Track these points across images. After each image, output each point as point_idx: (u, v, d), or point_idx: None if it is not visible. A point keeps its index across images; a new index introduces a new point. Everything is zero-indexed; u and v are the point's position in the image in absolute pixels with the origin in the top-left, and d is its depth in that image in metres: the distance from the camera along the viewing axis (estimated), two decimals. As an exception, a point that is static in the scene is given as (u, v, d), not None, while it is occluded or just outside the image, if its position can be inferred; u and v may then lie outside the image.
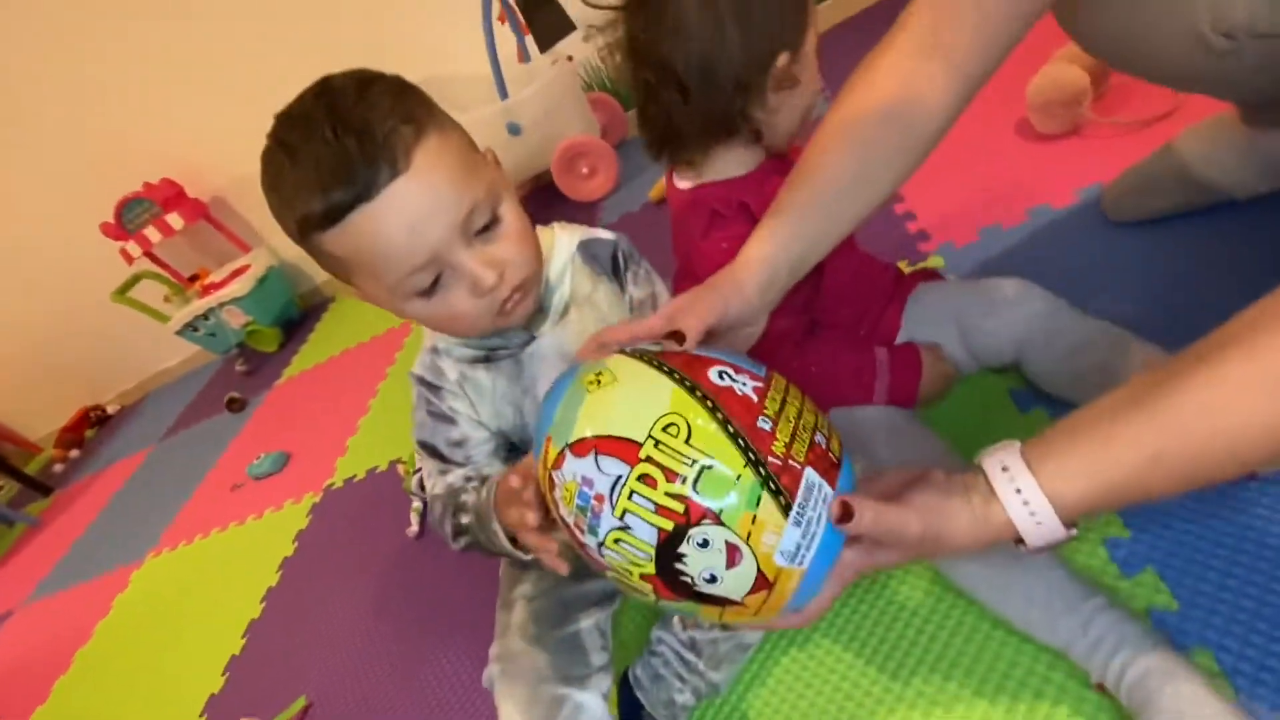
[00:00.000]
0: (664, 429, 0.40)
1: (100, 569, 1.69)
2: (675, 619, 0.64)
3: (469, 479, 0.64)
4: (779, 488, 0.39)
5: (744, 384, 0.42)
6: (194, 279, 2.23)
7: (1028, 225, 0.88)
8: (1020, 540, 0.40)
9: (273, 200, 0.49)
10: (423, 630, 0.92)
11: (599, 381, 0.43)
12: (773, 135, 0.59)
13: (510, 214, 0.52)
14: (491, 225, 0.50)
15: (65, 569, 1.83)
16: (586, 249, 0.64)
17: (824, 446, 0.42)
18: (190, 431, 2.13)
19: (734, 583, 0.40)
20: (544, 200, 1.78)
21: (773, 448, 0.40)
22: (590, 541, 0.42)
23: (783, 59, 0.54)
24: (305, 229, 0.47)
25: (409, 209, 0.46)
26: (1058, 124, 0.95)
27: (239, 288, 2.06)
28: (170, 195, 2.03)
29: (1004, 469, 0.40)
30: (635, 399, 0.42)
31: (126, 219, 2.03)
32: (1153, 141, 0.84)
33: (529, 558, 0.57)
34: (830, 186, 0.52)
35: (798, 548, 0.40)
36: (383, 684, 0.89)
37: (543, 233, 0.63)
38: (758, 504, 0.39)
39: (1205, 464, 0.36)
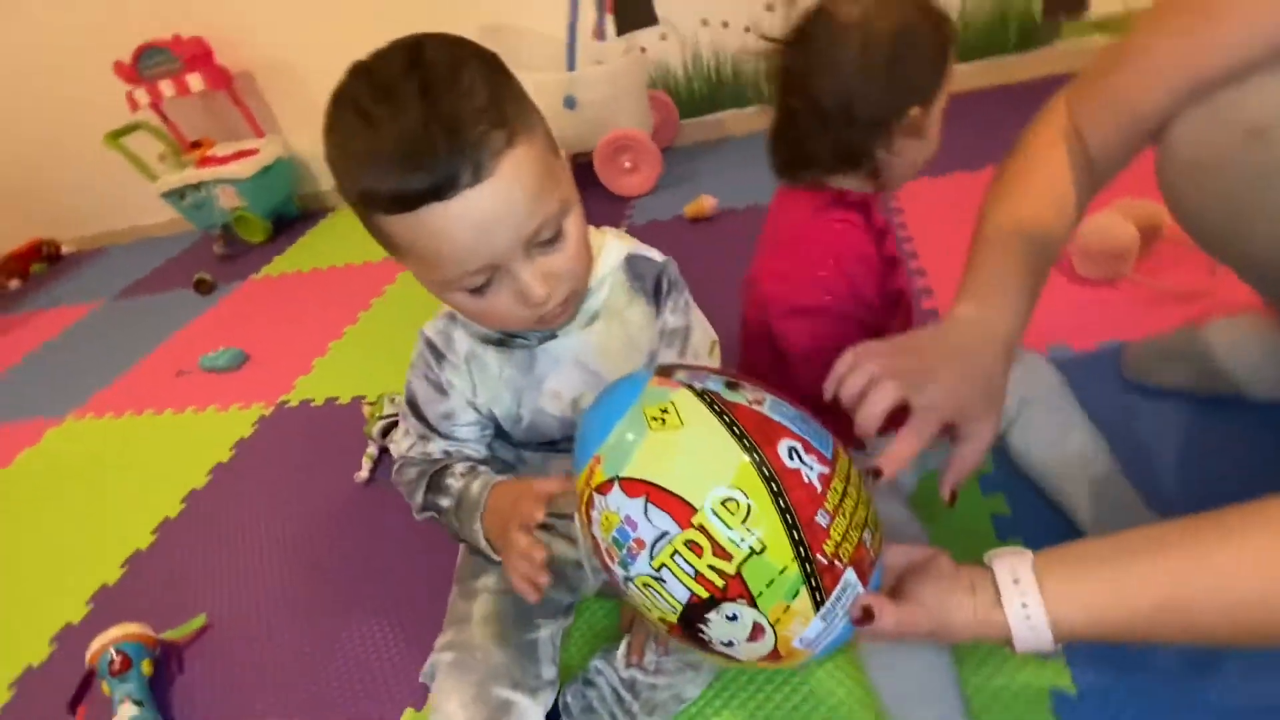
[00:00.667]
0: (723, 502, 0.40)
1: (12, 414, 1.60)
2: (619, 653, 0.63)
3: (449, 453, 0.63)
4: (818, 585, 0.40)
5: (811, 468, 0.42)
6: (196, 145, 2.13)
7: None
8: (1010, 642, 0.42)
9: (335, 155, 0.46)
10: (348, 585, 0.89)
11: (664, 420, 0.42)
12: (889, 176, 0.64)
13: (574, 228, 0.51)
14: (555, 239, 0.49)
15: (-26, 404, 1.72)
16: (633, 265, 0.63)
17: (867, 545, 0.43)
18: (148, 299, 2.03)
19: (748, 652, 0.42)
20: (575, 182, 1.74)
21: (824, 546, 0.40)
22: (617, 571, 0.42)
23: (916, 110, 0.59)
24: (367, 202, 0.45)
25: (482, 216, 0.44)
26: (1098, 272, 0.97)
27: (241, 169, 1.97)
28: (197, 54, 1.93)
29: (1015, 580, 0.41)
30: (700, 457, 0.41)
31: (143, 64, 1.92)
32: (1184, 315, 0.87)
33: (499, 559, 0.56)
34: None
35: (817, 636, 0.41)
36: (291, 627, 0.86)
37: (594, 235, 0.61)
38: (794, 596, 0.40)
39: (1208, 627, 0.38)
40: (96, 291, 2.18)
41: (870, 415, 0.48)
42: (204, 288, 1.89)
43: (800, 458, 0.41)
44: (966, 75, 1.67)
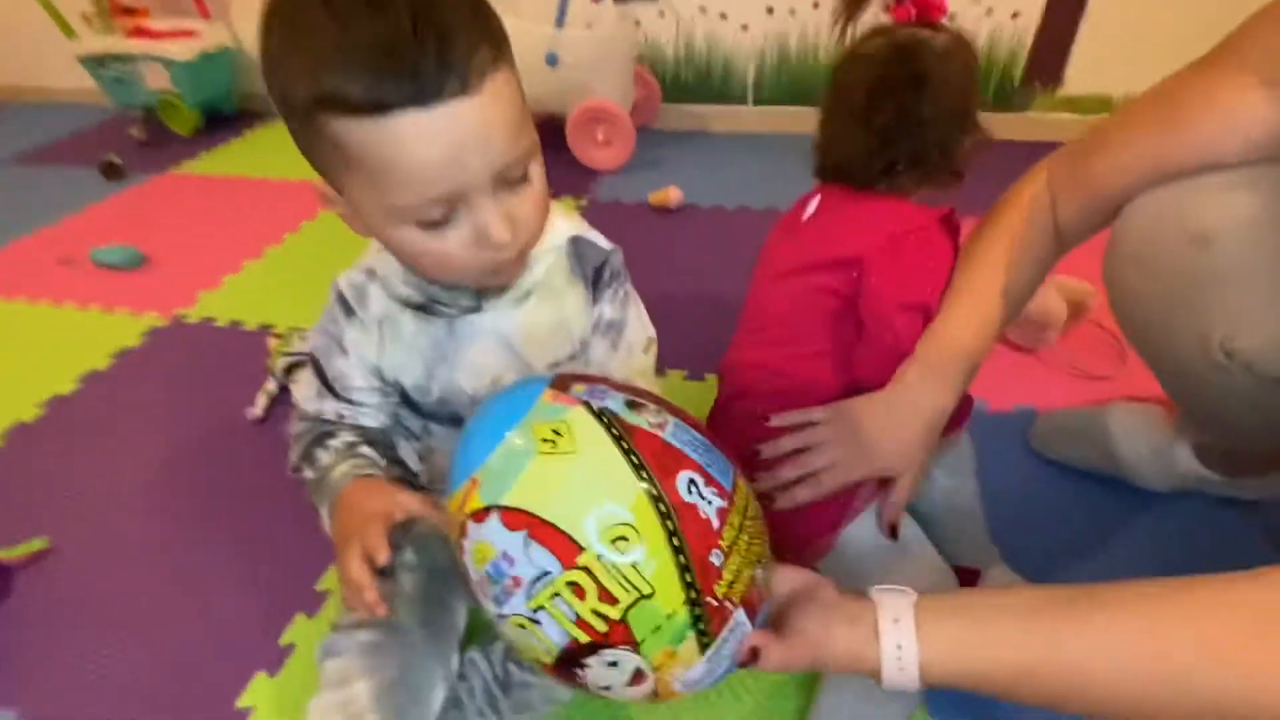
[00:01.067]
0: (613, 541, 0.36)
1: None
2: (498, 645, 0.60)
3: (342, 417, 0.58)
4: (706, 629, 0.38)
5: (710, 502, 0.39)
6: (129, 12, 1.90)
7: (963, 415, 0.92)
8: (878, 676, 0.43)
9: (283, 51, 0.40)
10: (218, 529, 0.82)
11: (555, 443, 0.38)
12: (942, 187, 0.69)
13: (538, 177, 0.47)
14: (521, 182, 0.45)
15: None
16: (577, 246, 0.59)
17: (759, 583, 0.42)
18: (44, 170, 1.81)
19: (625, 695, 0.40)
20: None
21: (715, 588, 0.38)
22: (489, 607, 0.39)
23: (979, 131, 0.67)
24: (327, 104, 0.38)
25: (461, 134, 0.40)
26: (1024, 338, 1.01)
27: (177, 50, 1.78)
28: (146, -90, 1.71)
29: (895, 620, 0.42)
30: (591, 487, 0.38)
31: (79, -94, 1.70)
32: (1093, 394, 0.92)
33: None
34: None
35: (700, 678, 0.40)
36: (145, 566, 0.78)
37: None
38: (680, 641, 0.38)
39: (1069, 700, 0.40)
40: (-16, 150, 1.93)
41: (799, 500, 0.60)
42: (112, 172, 1.70)
43: (699, 490, 0.39)
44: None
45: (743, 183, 1.55)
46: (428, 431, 0.65)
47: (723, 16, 1.71)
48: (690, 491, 0.39)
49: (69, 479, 0.90)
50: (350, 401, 0.58)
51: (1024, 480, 0.83)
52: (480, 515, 0.38)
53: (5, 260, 1.40)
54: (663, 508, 0.37)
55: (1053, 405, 0.89)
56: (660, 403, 0.44)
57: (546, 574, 0.36)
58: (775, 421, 0.63)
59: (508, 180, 0.44)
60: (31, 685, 0.67)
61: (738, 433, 0.67)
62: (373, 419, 0.59)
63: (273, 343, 1.05)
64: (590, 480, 0.38)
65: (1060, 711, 0.41)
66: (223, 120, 2.02)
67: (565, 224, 0.59)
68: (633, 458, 0.38)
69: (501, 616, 0.39)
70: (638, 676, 0.38)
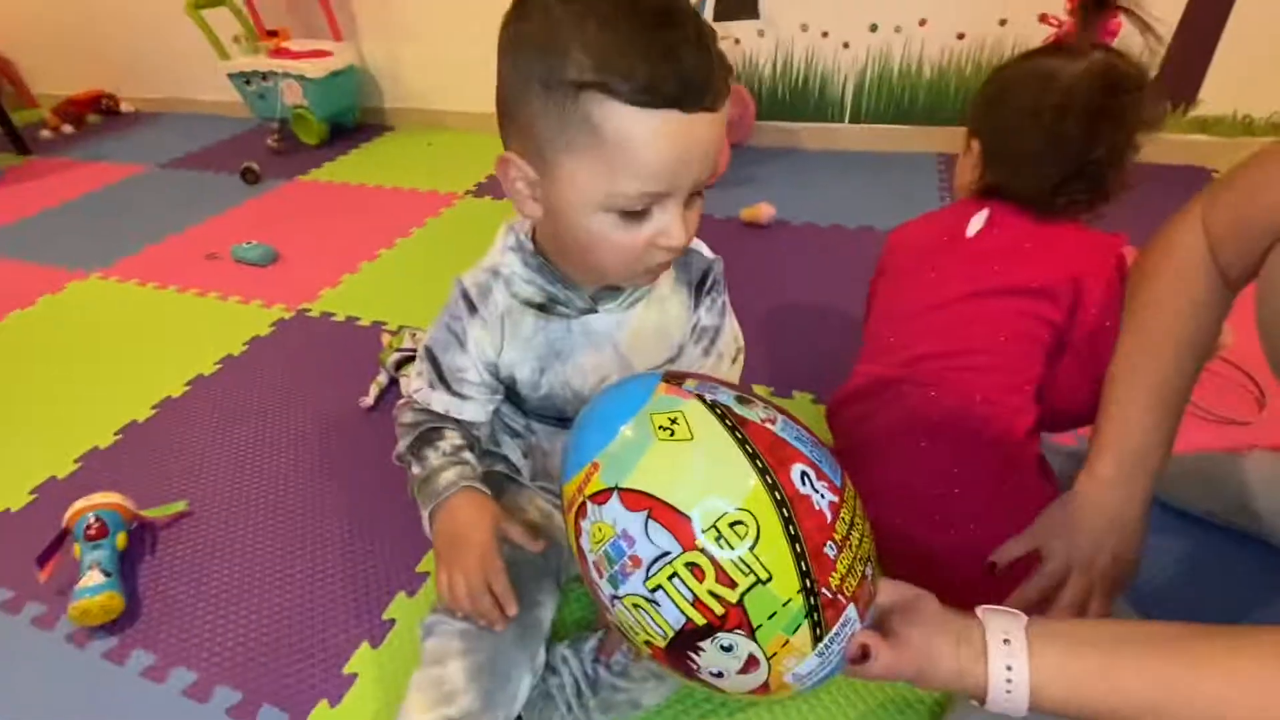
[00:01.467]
0: (731, 525, 0.37)
1: (40, 258, 1.60)
2: (589, 646, 0.62)
3: (447, 415, 0.62)
4: (820, 619, 0.38)
5: (822, 495, 0.40)
6: (273, 34, 2.10)
7: (1072, 458, 0.87)
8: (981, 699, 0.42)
9: (570, 30, 0.42)
10: (333, 505, 0.89)
11: (672, 431, 0.40)
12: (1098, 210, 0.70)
13: (703, 197, 0.51)
14: (697, 197, 0.50)
15: (3, 238, 1.73)
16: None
17: (869, 579, 0.42)
18: (193, 175, 2.02)
19: (737, 683, 0.40)
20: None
21: (829, 579, 0.38)
22: (604, 589, 0.40)
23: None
24: (594, 85, 0.42)
25: (697, 141, 0.44)
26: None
27: (311, 68, 1.95)
28: (294, -56, 1.89)
29: (1006, 640, 0.40)
30: (709, 472, 0.39)
31: (240, -59, 1.90)
32: (1220, 440, 0.85)
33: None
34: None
35: (810, 673, 0.40)
36: (270, 532, 0.86)
37: None
38: (795, 630, 0.38)
39: None
40: (144, 156, 2.18)
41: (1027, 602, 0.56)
42: (250, 177, 1.89)
43: (812, 483, 0.40)
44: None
45: (836, 200, 1.53)
46: (530, 430, 0.69)
47: (824, 34, 1.70)
48: (804, 483, 0.39)
49: (206, 450, 1.00)
50: (460, 395, 0.61)
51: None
52: (601, 496, 0.39)
53: (161, 254, 1.58)
54: (778, 496, 0.38)
55: (1176, 449, 0.82)
56: (768, 402, 0.45)
57: (666, 554, 0.37)
58: (997, 557, 0.60)
59: (695, 193, 0.48)
60: (168, 629, 0.75)
61: (924, 472, 0.64)
62: (476, 413, 0.62)
63: (386, 338, 1.13)
64: (708, 466, 0.39)
65: None
66: (345, 132, 2.19)
67: None
68: (747, 447, 0.39)
69: (616, 598, 0.40)
70: (750, 663, 0.38)
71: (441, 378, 0.61)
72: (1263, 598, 0.70)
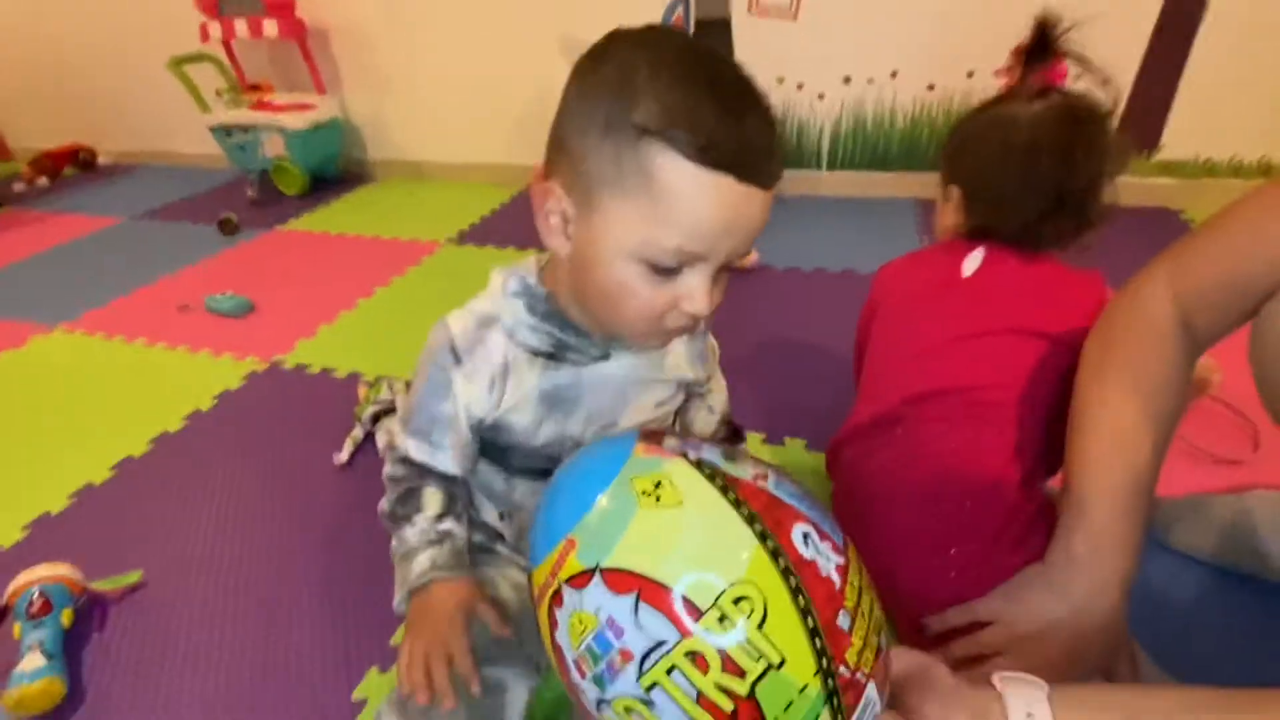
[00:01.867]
0: (735, 601, 0.32)
1: (3, 313, 1.55)
2: None
3: (425, 467, 0.58)
4: (840, 705, 0.33)
5: (828, 559, 0.36)
6: (255, 88, 2.12)
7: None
8: None
9: (626, 77, 0.43)
10: (301, 573, 0.83)
11: (658, 496, 0.35)
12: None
13: (729, 274, 0.51)
14: (724, 273, 0.49)
15: (-31, 292, 1.67)
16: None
17: (885, 650, 0.37)
18: (168, 226, 1.99)
19: None
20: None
21: (846, 656, 0.34)
22: (589, 690, 0.35)
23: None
24: (659, 135, 0.41)
25: (742, 215, 0.44)
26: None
27: (293, 120, 1.96)
28: (280, 2, 1.93)
29: (1029, 715, 0.37)
30: (704, 542, 0.34)
31: (226, 0, 1.93)
32: (1214, 480, 0.83)
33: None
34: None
35: None
36: (232, 608, 0.80)
37: None
38: None
39: None
40: (120, 208, 2.15)
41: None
42: (228, 228, 1.86)
43: (815, 545, 0.35)
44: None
45: (818, 245, 1.54)
46: (511, 487, 0.65)
47: (799, 86, 1.75)
48: (807, 546, 0.35)
49: (166, 514, 0.94)
50: (436, 445, 0.57)
51: (1146, 571, 0.75)
52: (580, 579, 0.34)
53: (129, 305, 1.54)
54: (783, 563, 0.34)
55: (1171, 490, 0.81)
56: (754, 457, 0.41)
57: (662, 644, 0.32)
58: (935, 625, 0.59)
59: (726, 266, 0.47)
60: (114, 718, 0.69)
61: (925, 515, 0.63)
62: (451, 466, 0.58)
63: (362, 391, 1.09)
64: (702, 536, 0.34)
65: None
66: (327, 183, 2.19)
67: None
68: (743, 510, 0.35)
69: (604, 701, 0.34)
70: None
71: (419, 425, 0.57)
72: (1277, 641, 0.67)
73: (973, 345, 0.67)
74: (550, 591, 0.36)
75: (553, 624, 0.36)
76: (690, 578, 0.33)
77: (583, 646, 0.34)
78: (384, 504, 0.59)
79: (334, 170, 2.21)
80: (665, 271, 0.45)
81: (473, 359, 0.55)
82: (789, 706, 0.32)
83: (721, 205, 0.43)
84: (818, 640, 0.33)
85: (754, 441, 0.98)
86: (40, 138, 2.64)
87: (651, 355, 0.59)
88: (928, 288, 0.73)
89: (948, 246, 0.74)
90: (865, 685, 0.35)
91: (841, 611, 0.34)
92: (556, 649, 0.36)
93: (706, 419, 0.71)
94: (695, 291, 0.46)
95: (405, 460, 0.58)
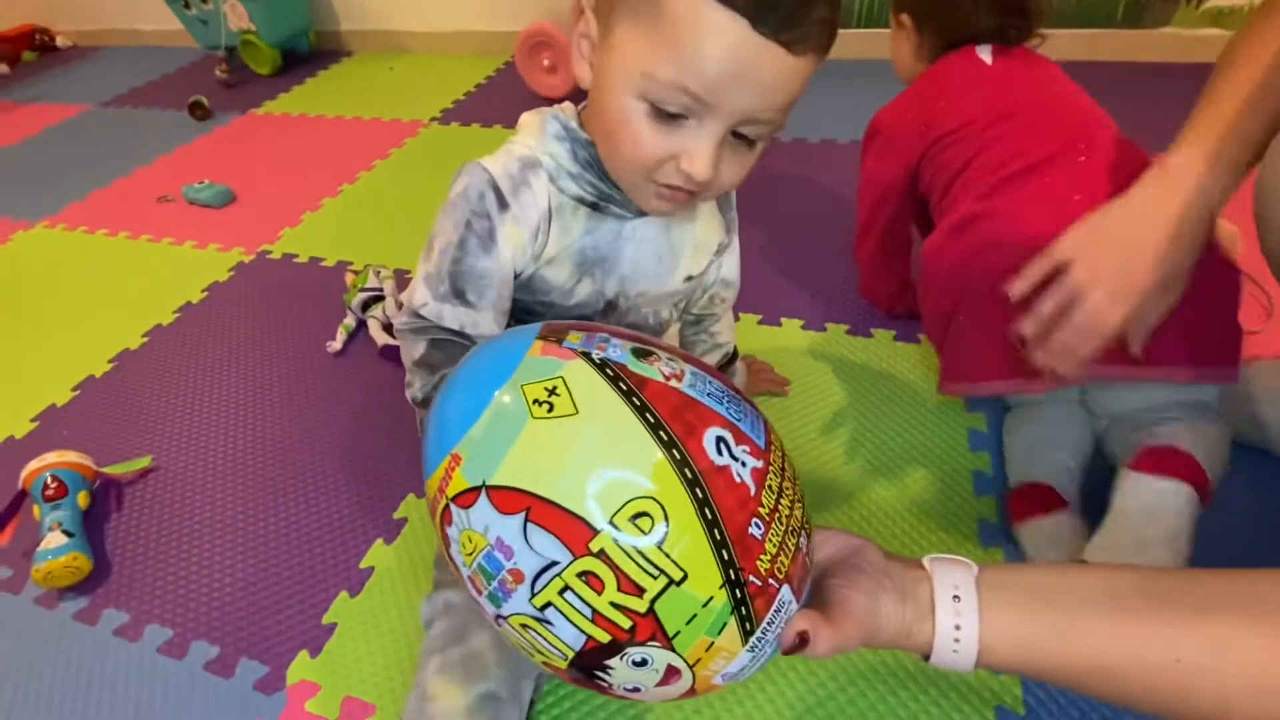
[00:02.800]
0: (632, 518, 0.30)
1: (-18, 209, 1.51)
2: None
3: (461, 332, 0.52)
4: (749, 612, 0.33)
5: (744, 463, 0.33)
6: (208, -50, 1.92)
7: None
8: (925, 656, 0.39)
9: None
10: (301, 452, 0.85)
11: (550, 404, 0.32)
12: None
13: (757, 155, 0.47)
14: (747, 143, 0.45)
15: (-57, 189, 1.62)
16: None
17: (804, 552, 0.36)
18: (138, 112, 1.89)
19: (656, 695, 0.35)
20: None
21: (758, 564, 0.33)
22: (486, 606, 0.34)
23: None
24: None
25: (752, 70, 0.40)
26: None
27: (254, -14, 1.79)
28: None
29: (955, 596, 0.37)
30: (600, 454, 0.31)
31: None
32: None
33: None
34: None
35: (741, 670, 0.35)
36: (237, 484, 0.82)
37: None
38: (720, 631, 0.32)
39: (1149, 701, 0.36)
40: (85, 94, 2.03)
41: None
42: (200, 113, 1.76)
43: (730, 450, 0.33)
44: (1059, 44, 1.51)
45: (835, 113, 1.42)
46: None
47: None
48: (720, 452, 0.33)
49: (168, 402, 0.95)
50: (476, 308, 0.52)
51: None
52: (466, 498, 0.32)
53: (109, 198, 1.48)
54: (689, 473, 0.31)
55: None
56: (673, 350, 0.38)
57: (553, 564, 0.31)
58: (1018, 287, 0.56)
59: (739, 134, 0.43)
60: (139, 587, 0.73)
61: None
62: (491, 329, 0.53)
63: (350, 278, 1.07)
64: (598, 447, 0.32)
65: (1131, 709, 0.37)
66: (300, 60, 2.04)
67: None
68: (648, 416, 0.32)
69: (501, 617, 0.33)
70: (670, 674, 0.33)
71: (456, 286, 0.51)
72: (1271, 509, 0.68)
73: (1056, 101, 0.73)
74: (440, 507, 0.34)
75: (445, 540, 0.34)
76: (583, 493, 0.31)
77: (474, 565, 0.33)
78: (416, 392, 0.54)
79: (307, 45, 2.05)
80: (669, 117, 0.42)
81: (519, 202, 0.50)
82: (691, 620, 0.31)
83: (730, 50, 0.39)
84: (724, 552, 0.31)
85: (749, 323, 0.96)
86: (-10, 18, 2.45)
87: (682, 220, 0.56)
88: (967, 82, 0.75)
89: (938, 69, 0.78)
90: (778, 590, 0.34)
91: (755, 519, 0.33)
92: (454, 564, 0.35)
93: (709, 350, 0.71)
94: (696, 150, 0.42)
95: (439, 330, 0.52)
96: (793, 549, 0.35)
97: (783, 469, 0.36)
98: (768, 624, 0.34)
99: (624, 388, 0.33)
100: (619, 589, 0.30)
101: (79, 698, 0.65)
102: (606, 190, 0.51)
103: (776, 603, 0.34)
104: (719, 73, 0.40)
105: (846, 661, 0.60)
